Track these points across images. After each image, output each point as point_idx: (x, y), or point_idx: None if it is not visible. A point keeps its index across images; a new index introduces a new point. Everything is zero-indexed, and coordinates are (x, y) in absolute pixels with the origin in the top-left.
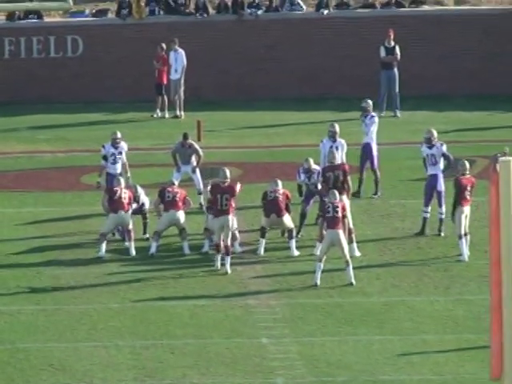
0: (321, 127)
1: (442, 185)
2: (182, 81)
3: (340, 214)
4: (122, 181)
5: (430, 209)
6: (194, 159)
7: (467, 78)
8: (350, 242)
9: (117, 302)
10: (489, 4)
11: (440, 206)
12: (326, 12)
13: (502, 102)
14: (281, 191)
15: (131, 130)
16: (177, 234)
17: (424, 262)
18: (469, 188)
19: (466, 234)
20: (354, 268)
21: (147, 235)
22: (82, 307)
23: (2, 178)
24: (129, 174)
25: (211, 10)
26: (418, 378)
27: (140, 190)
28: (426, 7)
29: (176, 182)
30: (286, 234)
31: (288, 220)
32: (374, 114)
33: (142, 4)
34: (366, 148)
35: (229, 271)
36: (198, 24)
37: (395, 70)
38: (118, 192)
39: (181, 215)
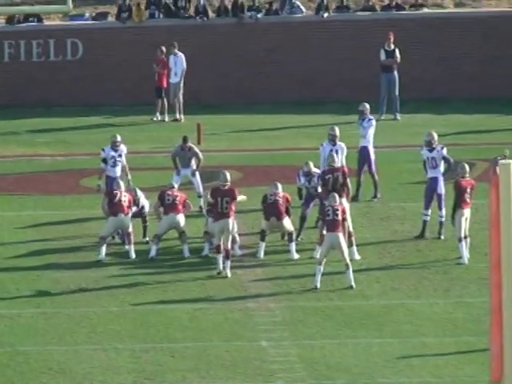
0: (321, 130)
1: (442, 188)
2: (182, 84)
3: (340, 217)
4: (122, 184)
5: (430, 212)
6: (193, 162)
7: (467, 81)
8: (350, 245)
9: (116, 305)
10: (488, 7)
11: (440, 208)
12: (325, 15)
13: (502, 104)
14: (281, 194)
15: (131, 134)
16: (177, 238)
17: (424, 265)
18: (468, 191)
19: (465, 237)
20: (353, 271)
21: (147, 238)
22: (82, 310)
23: (2, 181)
24: (129, 177)
25: (211, 14)
26: (418, 380)
27: (140, 193)
28: (425, 10)
29: (176, 185)
30: (286, 237)
31: (288, 223)
32: (371, 117)
33: (142, 7)
34: (364, 151)
35: (229, 275)
36: (198, 27)
37: (395, 73)
38: (118, 195)
39: (181, 218)
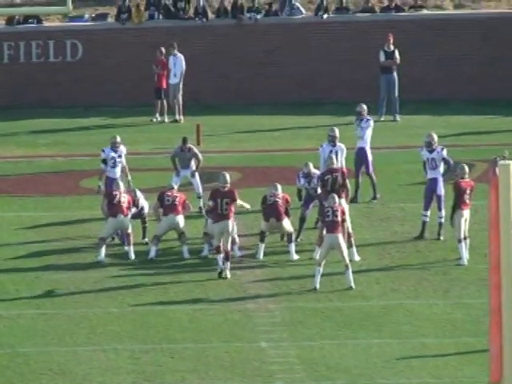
0: (320, 131)
1: (441, 189)
2: (181, 85)
3: (339, 218)
4: (122, 185)
5: (429, 213)
6: (193, 163)
7: (466, 83)
8: (350, 246)
9: (116, 306)
10: (488, 8)
11: (440, 209)
12: (325, 16)
13: (502, 106)
14: (280, 195)
15: (131, 135)
16: (176, 238)
17: (423, 266)
18: (468, 191)
19: (465, 238)
20: (353, 272)
21: (146, 239)
22: (82, 311)
23: (2, 182)
24: (129, 178)
25: (210, 15)
26: (417, 381)
27: (139, 194)
28: (425, 12)
29: (175, 186)
30: (286, 238)
31: (287, 224)
32: (369, 117)
33: (142, 8)
34: (361, 152)
35: (228, 276)
36: (198, 28)
37: (394, 74)
38: (117, 196)
39: (180, 219)
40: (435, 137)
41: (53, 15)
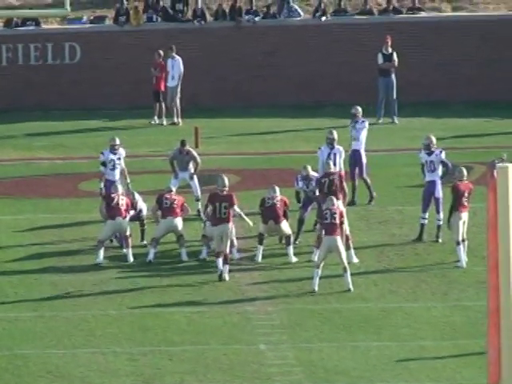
0: (318, 134)
1: (439, 191)
2: (179, 88)
3: (338, 221)
4: (120, 187)
5: (427, 215)
6: (191, 166)
7: (465, 85)
8: (348, 248)
9: (114, 308)
10: (486, 11)
11: (438, 212)
12: (323, 19)
13: (500, 108)
14: (279, 198)
15: (129, 137)
16: (174, 241)
17: (422, 269)
18: (466, 194)
19: (463, 240)
20: (351, 274)
21: (145, 242)
22: (80, 314)
23: (0, 184)
24: (128, 180)
25: (209, 17)
26: None
27: (138, 197)
28: (423, 14)
29: (174, 189)
30: (284, 241)
31: (286, 226)
32: (364, 119)
33: (140, 11)
34: (355, 155)
35: (227, 278)
36: (196, 31)
37: (393, 76)
38: (116, 198)
39: (178, 222)
40: (434, 139)
41: (51, 18)
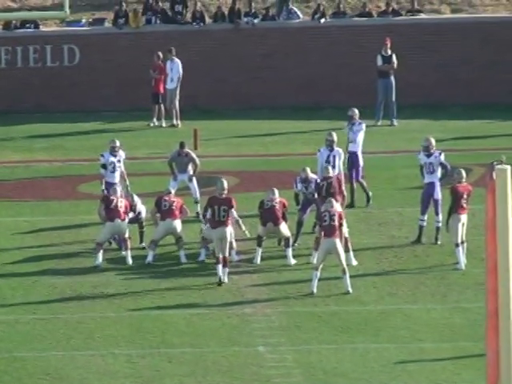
0: (317, 136)
1: (438, 193)
2: (178, 91)
3: (337, 223)
4: (118, 189)
5: (426, 217)
6: (190, 168)
7: (464, 87)
8: (346, 250)
9: (113, 310)
10: (486, 13)
11: (437, 214)
12: (322, 21)
13: (499, 110)
14: (277, 200)
15: (128, 139)
16: (173, 243)
17: (421, 270)
18: (465, 196)
19: (462, 242)
20: (350, 276)
21: (144, 244)
22: (79, 316)
23: None
24: (127, 183)
25: (208, 19)
26: None
27: (136, 199)
28: (423, 16)
29: (173, 191)
30: (283, 243)
31: (285, 228)
32: (360, 121)
33: (139, 13)
34: (353, 157)
35: (226, 280)
36: (195, 33)
37: (392, 78)
38: (114, 201)
39: (177, 224)
40: (433, 141)
41: (50, 20)
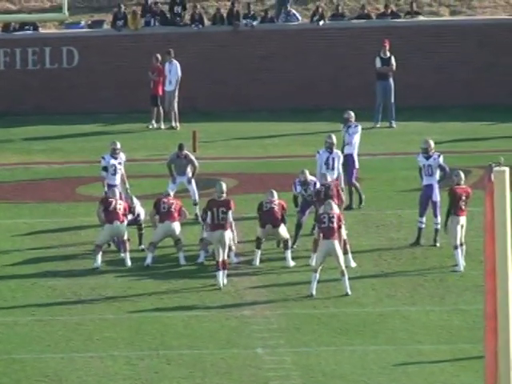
0: (316, 138)
1: (437, 195)
2: (177, 93)
3: (335, 225)
4: (117, 192)
5: (425, 219)
6: (189, 170)
7: (463, 89)
8: (345, 252)
9: (112, 312)
10: (484, 15)
11: (435, 216)
12: (321, 23)
13: (498, 112)
14: (276, 202)
15: (127, 141)
16: (172, 245)
17: (419, 272)
18: (464, 198)
19: (461, 244)
20: (349, 278)
21: (143, 246)
22: (78, 318)
23: None
24: (127, 185)
25: (207, 21)
26: None
27: (135, 201)
28: (421, 18)
29: (171, 193)
30: (282, 245)
31: (283, 230)
32: (356, 123)
33: (138, 15)
34: (349, 159)
35: (225, 282)
36: (194, 35)
37: (391, 80)
38: (113, 203)
39: (176, 226)
40: (432, 143)
41: (49, 22)
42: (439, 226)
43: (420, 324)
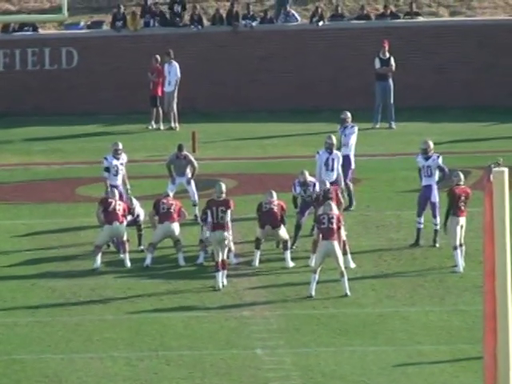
0: (316, 138)
1: (436, 196)
2: (176, 93)
3: (335, 225)
4: (116, 192)
5: (423, 219)
6: (188, 171)
7: (462, 90)
8: (345, 253)
9: (112, 313)
10: (484, 16)
11: (434, 216)
12: (320, 23)
13: (497, 113)
14: (276, 202)
15: (126, 142)
16: (172, 246)
17: (419, 273)
18: (463, 198)
19: (461, 245)
20: (348, 279)
21: (142, 247)
22: (77, 319)
23: None
24: (128, 186)
25: (206, 22)
26: None
27: (135, 202)
28: (421, 18)
29: (171, 194)
30: (281, 246)
31: (283, 231)
32: (353, 124)
33: (137, 16)
34: (346, 160)
35: (225, 283)
36: (193, 36)
37: (390, 81)
38: (113, 203)
39: (175, 227)
40: (431, 144)
41: (48, 23)
42: (438, 227)
43: (420, 325)
